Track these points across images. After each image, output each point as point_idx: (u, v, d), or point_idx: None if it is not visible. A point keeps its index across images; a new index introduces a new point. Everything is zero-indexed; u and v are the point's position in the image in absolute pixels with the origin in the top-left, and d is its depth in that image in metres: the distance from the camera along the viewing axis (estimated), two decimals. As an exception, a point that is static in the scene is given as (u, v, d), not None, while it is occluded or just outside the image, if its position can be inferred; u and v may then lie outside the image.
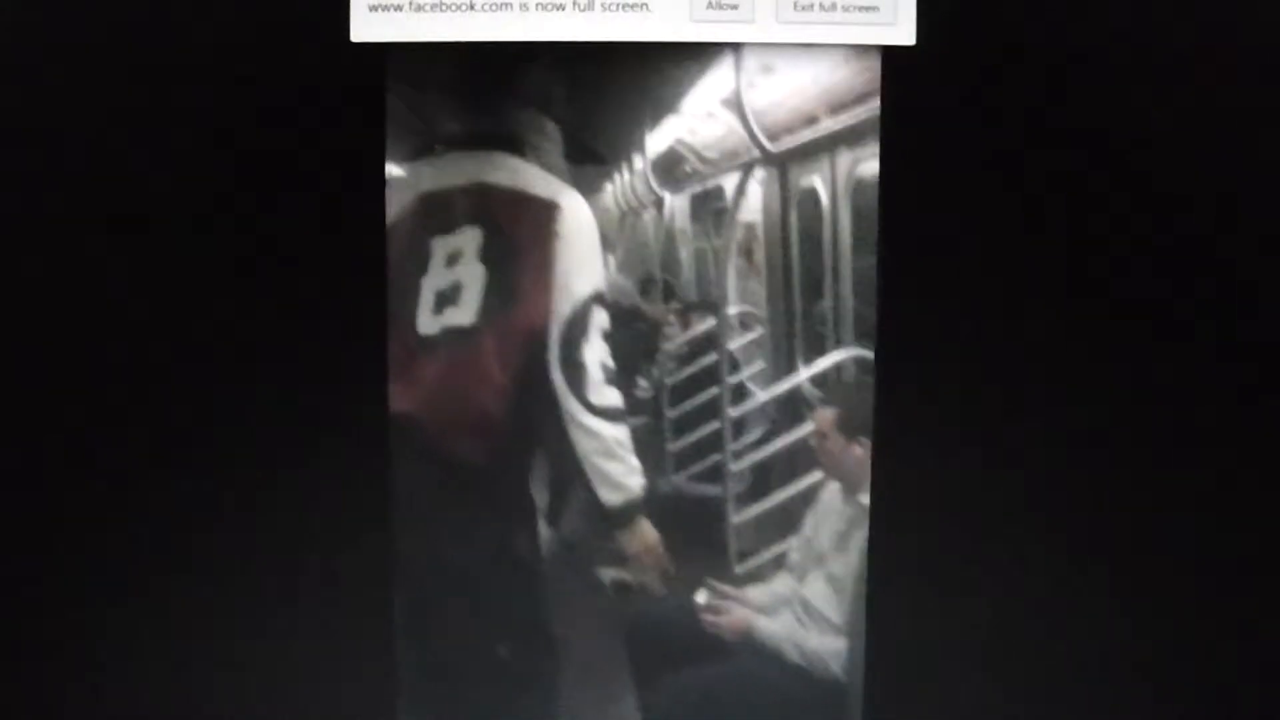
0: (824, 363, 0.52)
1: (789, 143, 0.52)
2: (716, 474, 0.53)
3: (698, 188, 0.52)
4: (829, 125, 0.51)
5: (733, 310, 0.53)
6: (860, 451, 0.52)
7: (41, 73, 0.48)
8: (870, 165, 0.51)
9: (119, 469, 0.50)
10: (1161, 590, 0.51)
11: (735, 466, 0.53)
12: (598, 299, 0.52)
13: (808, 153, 0.52)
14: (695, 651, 0.52)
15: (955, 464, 0.51)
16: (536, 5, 0.47)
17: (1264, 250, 0.50)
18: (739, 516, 0.53)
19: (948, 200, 0.50)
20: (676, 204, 0.52)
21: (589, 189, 0.51)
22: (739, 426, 0.53)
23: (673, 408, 0.53)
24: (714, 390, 0.53)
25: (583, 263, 0.52)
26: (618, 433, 0.52)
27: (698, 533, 0.53)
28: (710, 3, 0.47)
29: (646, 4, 0.47)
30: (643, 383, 0.52)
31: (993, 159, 0.49)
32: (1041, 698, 0.52)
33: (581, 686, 0.53)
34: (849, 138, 0.51)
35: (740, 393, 0.53)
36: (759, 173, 0.52)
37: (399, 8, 0.47)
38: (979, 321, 0.50)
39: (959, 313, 0.50)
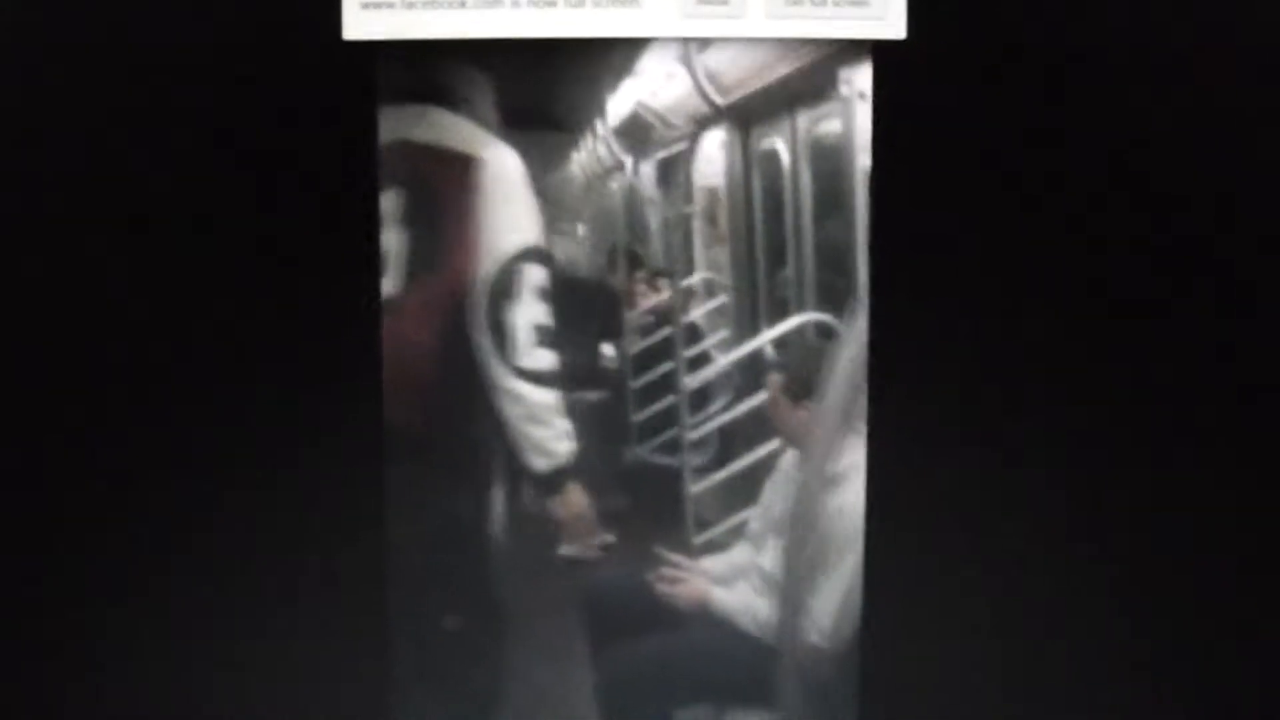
0: (783, 327, 0.51)
1: (747, 101, 0.50)
2: (678, 445, 0.53)
3: (661, 152, 0.51)
4: (786, 81, 0.50)
5: (696, 277, 0.52)
6: (805, 415, 0.51)
7: (36, 70, 0.48)
8: (830, 124, 0.50)
9: (117, 469, 0.50)
10: (1162, 590, 0.51)
11: (695, 435, 0.52)
12: (529, 256, 0.50)
13: (767, 112, 0.51)
14: (649, 622, 0.52)
15: (951, 462, 0.51)
16: (529, 2, 0.46)
17: (1264, 249, 0.49)
18: (698, 486, 0.52)
19: (940, 195, 0.49)
20: (640, 169, 0.51)
21: (550, 156, 0.50)
22: (702, 396, 0.53)
23: (636, 378, 0.52)
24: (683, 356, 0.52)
25: (510, 219, 0.50)
26: (545, 397, 0.51)
27: (658, 504, 0.52)
28: None
29: (639, 0, 0.47)
30: (608, 353, 0.52)
31: (985, 154, 0.49)
32: (1041, 698, 0.52)
33: (534, 658, 0.52)
34: (808, 95, 0.50)
35: (704, 361, 0.53)
36: (720, 135, 0.51)
37: (391, 5, 0.46)
38: (973, 318, 0.50)
39: (952, 309, 0.50)
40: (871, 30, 0.47)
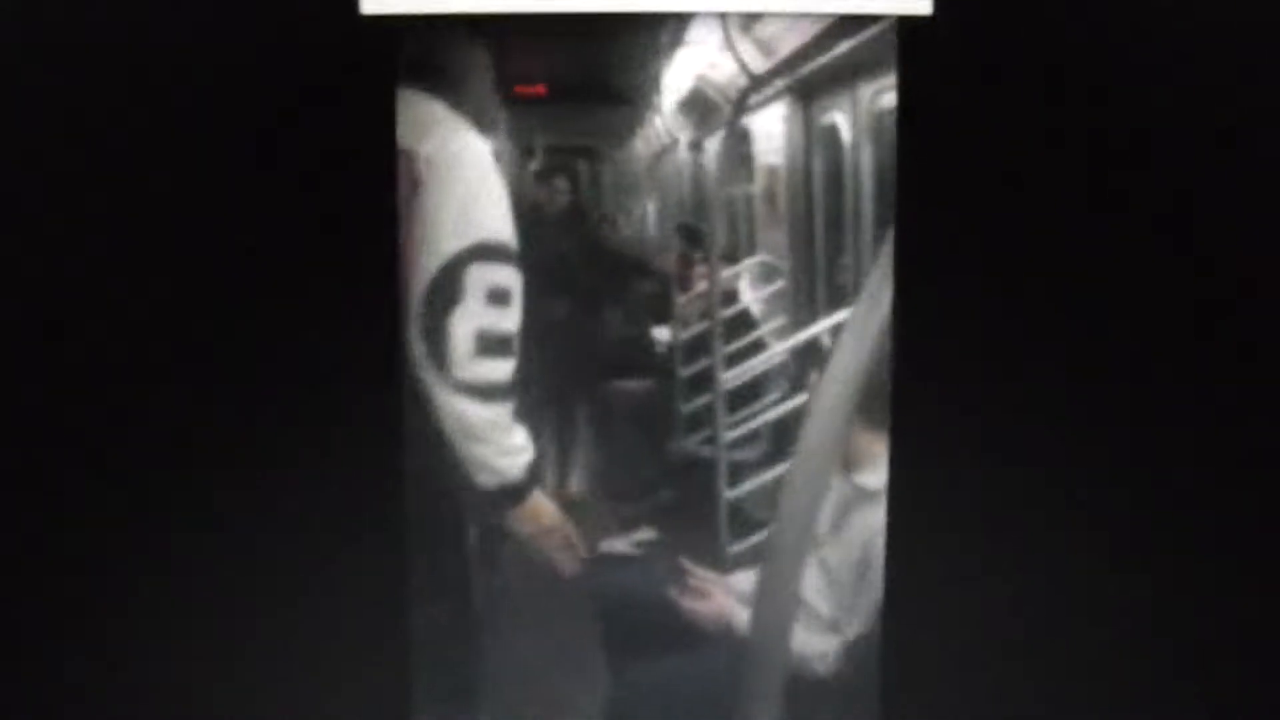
0: (840, 315, 0.47)
1: (806, 74, 0.47)
2: (735, 440, 0.48)
3: (719, 128, 0.48)
4: (845, 49, 0.46)
5: (752, 260, 0.48)
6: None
7: (39, 42, 0.48)
8: (890, 97, 0.46)
9: (118, 469, 0.49)
10: (1172, 591, 0.49)
11: (739, 432, 0.48)
12: (479, 254, 0.46)
13: (828, 85, 0.47)
14: (669, 638, 0.48)
15: (976, 462, 0.48)
16: None
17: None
18: (737, 490, 0.48)
19: (965, 175, 0.47)
20: (699, 145, 0.48)
21: (601, 132, 0.48)
22: (752, 389, 0.48)
23: (686, 366, 0.49)
24: (735, 346, 0.48)
25: (454, 214, 0.46)
26: (490, 413, 0.47)
27: (696, 506, 0.48)
28: None
29: None
30: (661, 337, 0.49)
31: (1012, 132, 0.47)
32: (1061, 699, 0.50)
33: (550, 676, 0.50)
34: (869, 67, 0.46)
35: (757, 349, 0.48)
36: (779, 109, 0.47)
37: None
38: (1000, 305, 0.47)
39: (979, 296, 0.47)
40: (897, 5, 0.45)
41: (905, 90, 0.46)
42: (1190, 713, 0.49)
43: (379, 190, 0.46)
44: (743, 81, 0.47)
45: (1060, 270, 0.47)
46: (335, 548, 0.49)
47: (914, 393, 0.47)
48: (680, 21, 0.46)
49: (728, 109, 0.47)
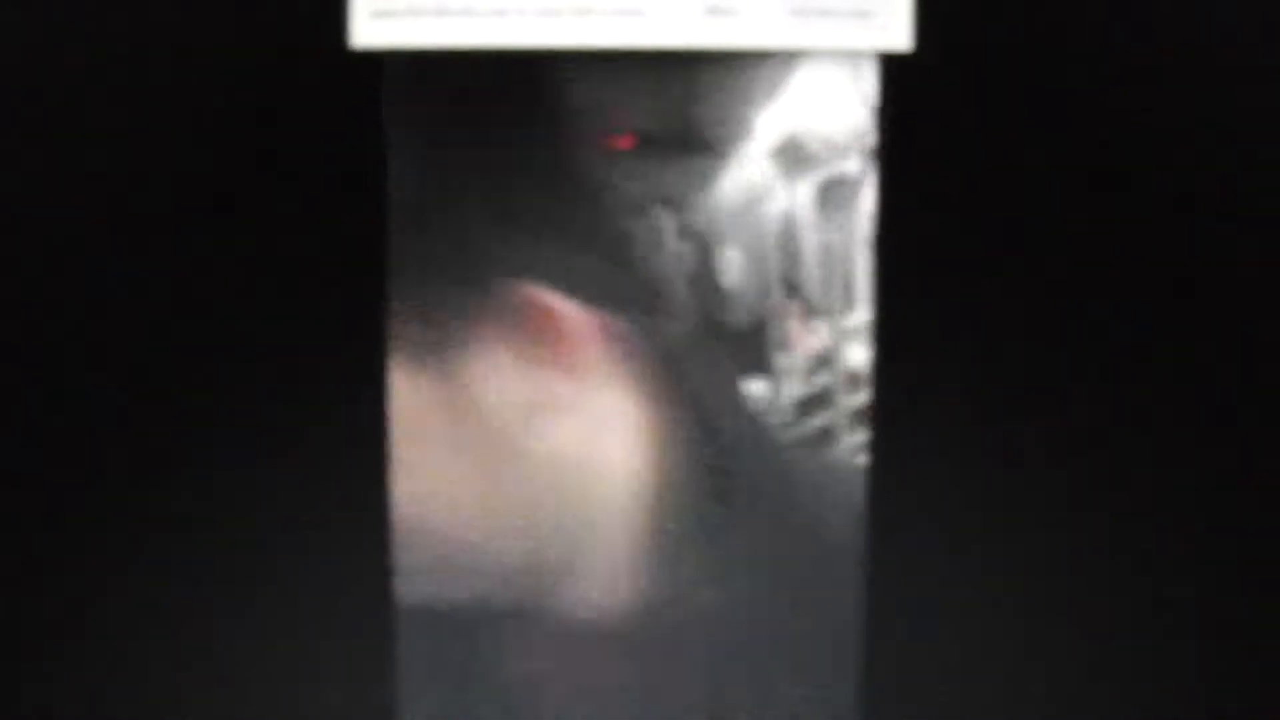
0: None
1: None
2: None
3: (822, 176, 0.46)
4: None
5: (859, 316, 0.46)
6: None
7: (36, 77, 0.49)
8: None
9: (119, 469, 0.50)
10: (1172, 592, 0.49)
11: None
12: None
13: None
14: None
15: (958, 469, 0.49)
16: (535, 11, 0.45)
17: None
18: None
19: (947, 206, 0.48)
20: (799, 193, 0.46)
21: (692, 179, 0.46)
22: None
23: (795, 425, 0.47)
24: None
25: None
26: None
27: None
28: (709, 8, 0.45)
29: (642, 10, 0.45)
30: (758, 393, 0.47)
31: (994, 164, 0.48)
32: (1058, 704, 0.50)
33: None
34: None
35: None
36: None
37: (399, 14, 0.45)
38: (980, 328, 0.48)
39: (960, 319, 0.48)
40: (876, 41, 0.45)
41: (885, 125, 0.46)
42: (1190, 713, 0.50)
43: (370, 215, 0.48)
44: (856, 127, 0.46)
45: (1039, 298, 0.48)
46: (325, 545, 0.50)
47: (898, 395, 0.48)
48: (784, 64, 0.46)
49: (834, 156, 0.45)
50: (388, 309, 0.48)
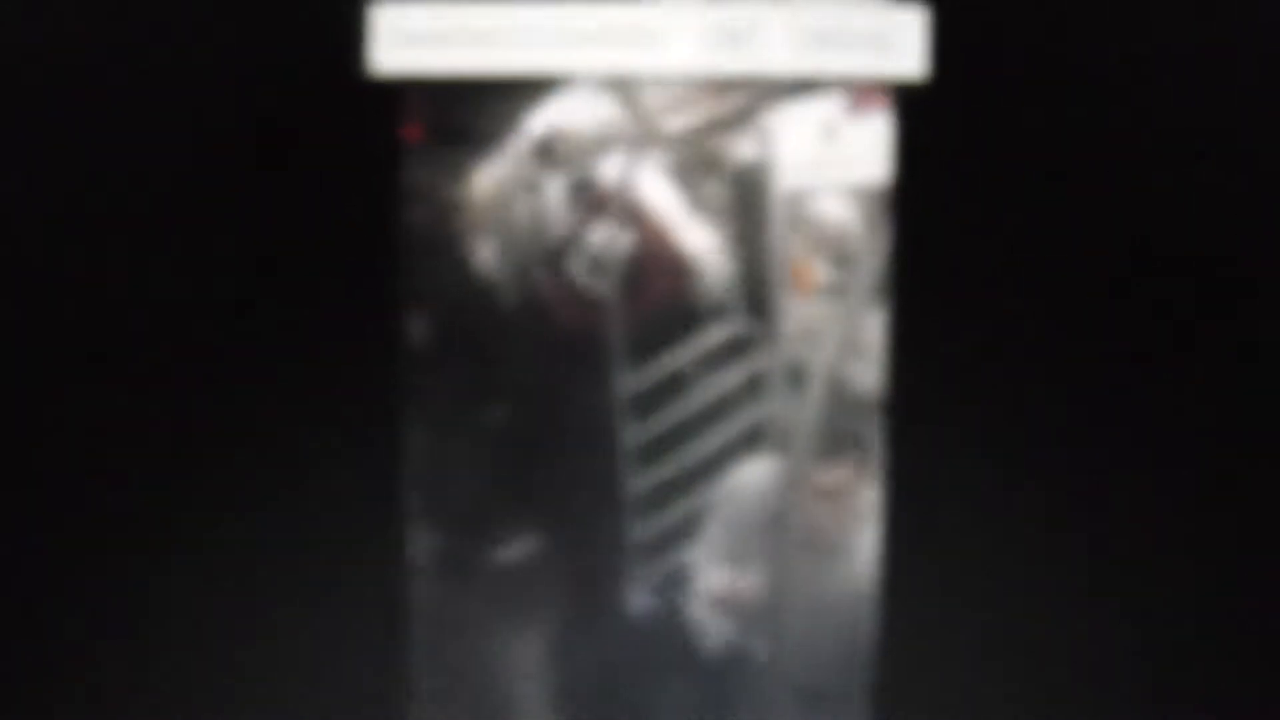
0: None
1: (673, 124, 0.48)
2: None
3: (579, 172, 0.48)
4: (711, 108, 0.48)
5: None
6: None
7: (43, 101, 0.48)
8: (748, 146, 0.48)
9: (119, 469, 0.49)
10: (1170, 593, 0.50)
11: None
12: None
13: (691, 136, 0.48)
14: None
15: (972, 476, 0.49)
16: (549, 38, 0.45)
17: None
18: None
19: (961, 234, 0.49)
20: (554, 188, 0.48)
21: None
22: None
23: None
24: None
25: None
26: None
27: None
28: (723, 35, 0.46)
29: (662, 37, 0.46)
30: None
31: (1006, 189, 0.49)
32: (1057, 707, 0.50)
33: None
34: (732, 123, 0.48)
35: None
36: (643, 157, 0.48)
37: (419, 40, 0.45)
38: (997, 357, 0.49)
39: (977, 349, 0.49)
40: (892, 69, 0.47)
41: (900, 154, 0.47)
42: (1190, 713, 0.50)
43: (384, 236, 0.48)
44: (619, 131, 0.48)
45: (1055, 324, 0.49)
46: (331, 545, 0.50)
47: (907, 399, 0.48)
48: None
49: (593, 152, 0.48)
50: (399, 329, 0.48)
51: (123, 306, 0.49)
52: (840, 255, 0.48)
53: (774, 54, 0.46)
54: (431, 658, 0.49)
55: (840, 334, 0.48)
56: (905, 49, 0.47)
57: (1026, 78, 0.48)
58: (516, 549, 0.49)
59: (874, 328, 0.48)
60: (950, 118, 0.47)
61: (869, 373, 0.48)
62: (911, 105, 0.47)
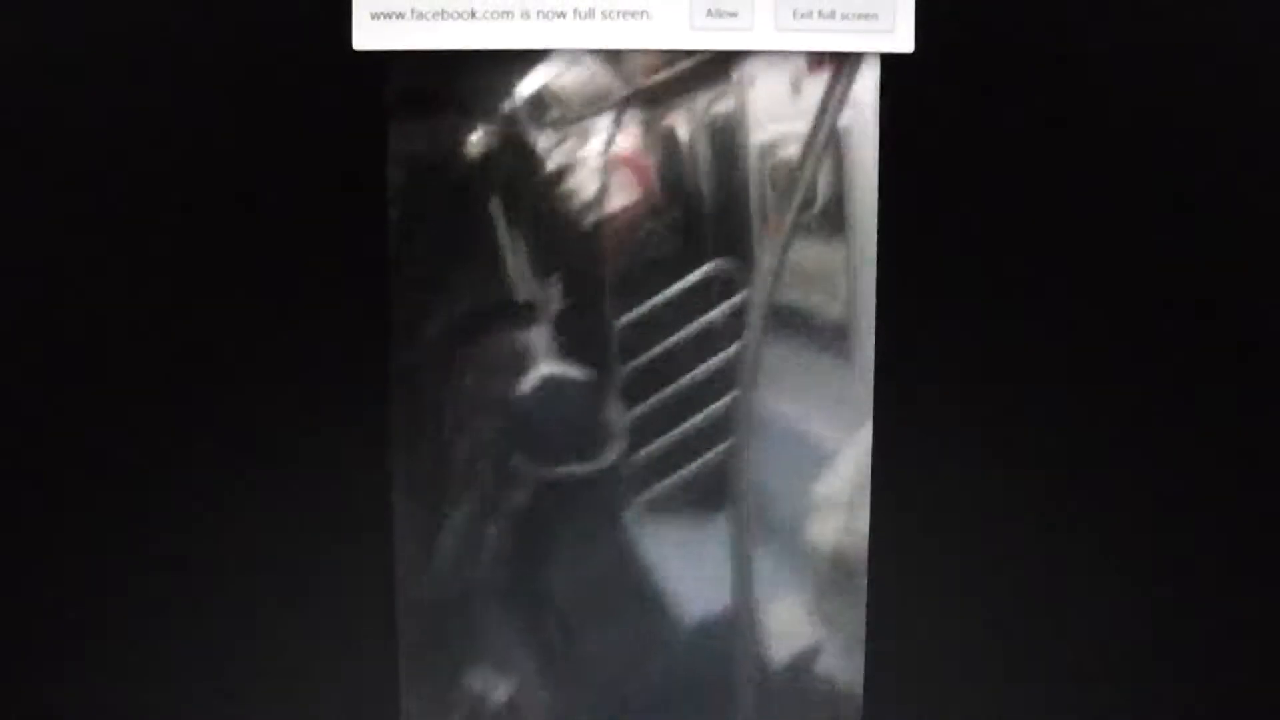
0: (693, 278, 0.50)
1: (652, 82, 0.50)
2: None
3: (567, 131, 0.50)
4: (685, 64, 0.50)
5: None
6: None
7: (37, 82, 0.48)
8: (726, 103, 0.50)
9: (119, 469, 0.49)
10: (1170, 594, 0.50)
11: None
12: None
13: (669, 94, 0.50)
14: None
15: (957, 462, 0.50)
16: (538, 13, 0.46)
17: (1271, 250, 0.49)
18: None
19: (949, 209, 0.49)
20: (546, 149, 0.50)
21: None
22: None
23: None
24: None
25: None
26: None
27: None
28: (710, 10, 0.47)
29: (647, 11, 0.47)
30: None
31: (993, 165, 0.49)
32: (1045, 698, 0.51)
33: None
34: (706, 79, 0.50)
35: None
36: (627, 115, 0.50)
37: (401, 16, 0.45)
38: (980, 328, 0.49)
39: (960, 320, 0.49)
40: (880, 43, 0.48)
41: (887, 124, 0.48)
42: (1189, 713, 0.50)
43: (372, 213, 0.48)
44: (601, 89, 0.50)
45: (1040, 299, 0.49)
46: (326, 545, 0.50)
47: (896, 423, 0.49)
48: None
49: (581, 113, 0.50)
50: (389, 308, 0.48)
51: (116, 287, 0.48)
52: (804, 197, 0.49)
53: (762, 29, 0.47)
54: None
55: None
56: (895, 22, 0.47)
57: (1013, 48, 0.48)
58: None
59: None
60: (937, 89, 0.47)
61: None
62: (900, 78, 0.47)
